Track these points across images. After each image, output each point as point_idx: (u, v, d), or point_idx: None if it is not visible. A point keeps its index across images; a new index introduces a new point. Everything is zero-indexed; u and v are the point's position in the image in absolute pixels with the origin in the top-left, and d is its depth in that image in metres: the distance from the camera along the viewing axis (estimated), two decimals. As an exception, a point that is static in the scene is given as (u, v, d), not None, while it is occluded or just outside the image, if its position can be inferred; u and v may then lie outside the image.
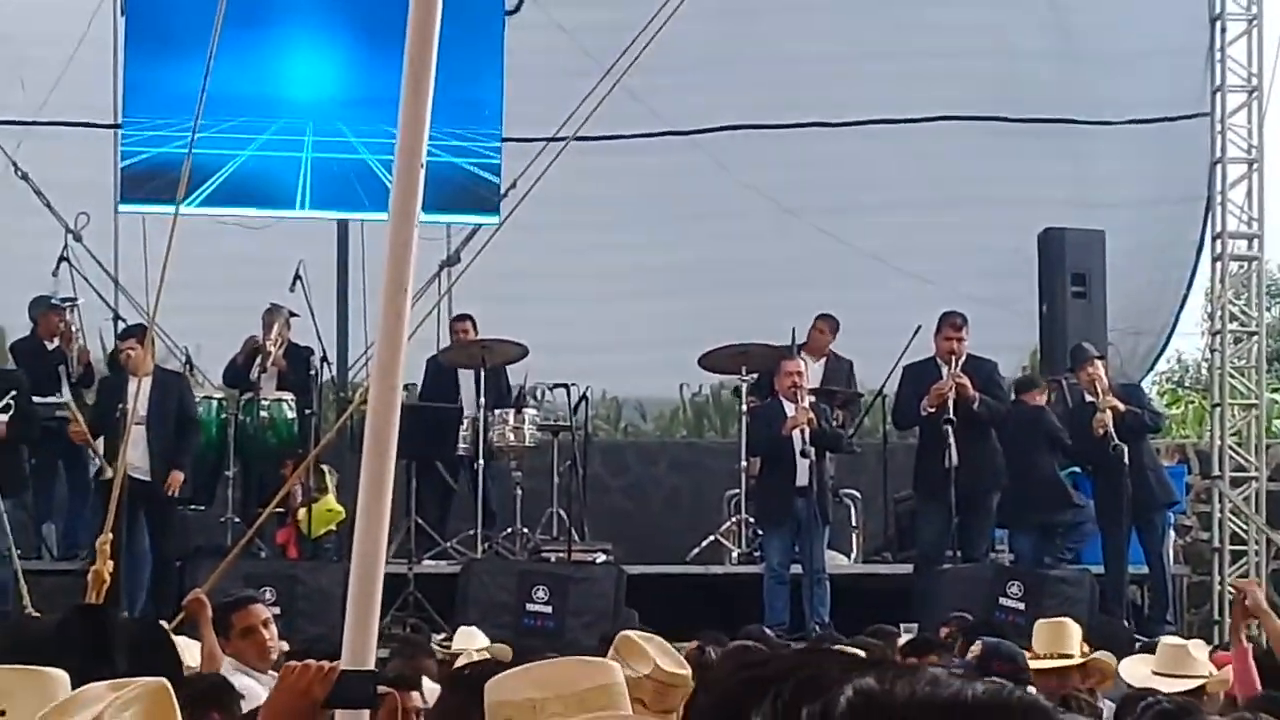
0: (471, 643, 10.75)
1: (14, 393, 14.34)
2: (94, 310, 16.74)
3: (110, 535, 10.20)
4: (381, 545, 4.52)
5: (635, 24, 13.08)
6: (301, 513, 14.11)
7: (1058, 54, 18.81)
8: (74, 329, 15.63)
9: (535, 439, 15.02)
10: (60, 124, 17.37)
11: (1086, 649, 9.34)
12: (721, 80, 18.25)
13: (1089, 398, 14.88)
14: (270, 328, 15.17)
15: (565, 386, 15.55)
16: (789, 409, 13.75)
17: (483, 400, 14.70)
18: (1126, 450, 14.29)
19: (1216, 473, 17.21)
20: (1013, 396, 15.53)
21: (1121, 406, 14.56)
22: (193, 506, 15.11)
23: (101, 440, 14.40)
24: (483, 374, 14.92)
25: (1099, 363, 14.98)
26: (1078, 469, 15.59)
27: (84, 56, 16.59)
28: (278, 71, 16.78)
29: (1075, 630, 9.57)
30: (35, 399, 14.85)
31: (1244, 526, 17.32)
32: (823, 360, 15.60)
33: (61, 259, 16.36)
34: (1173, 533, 15.95)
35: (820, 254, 17.57)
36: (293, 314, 15.57)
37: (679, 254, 18.12)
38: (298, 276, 15.27)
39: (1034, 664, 8.67)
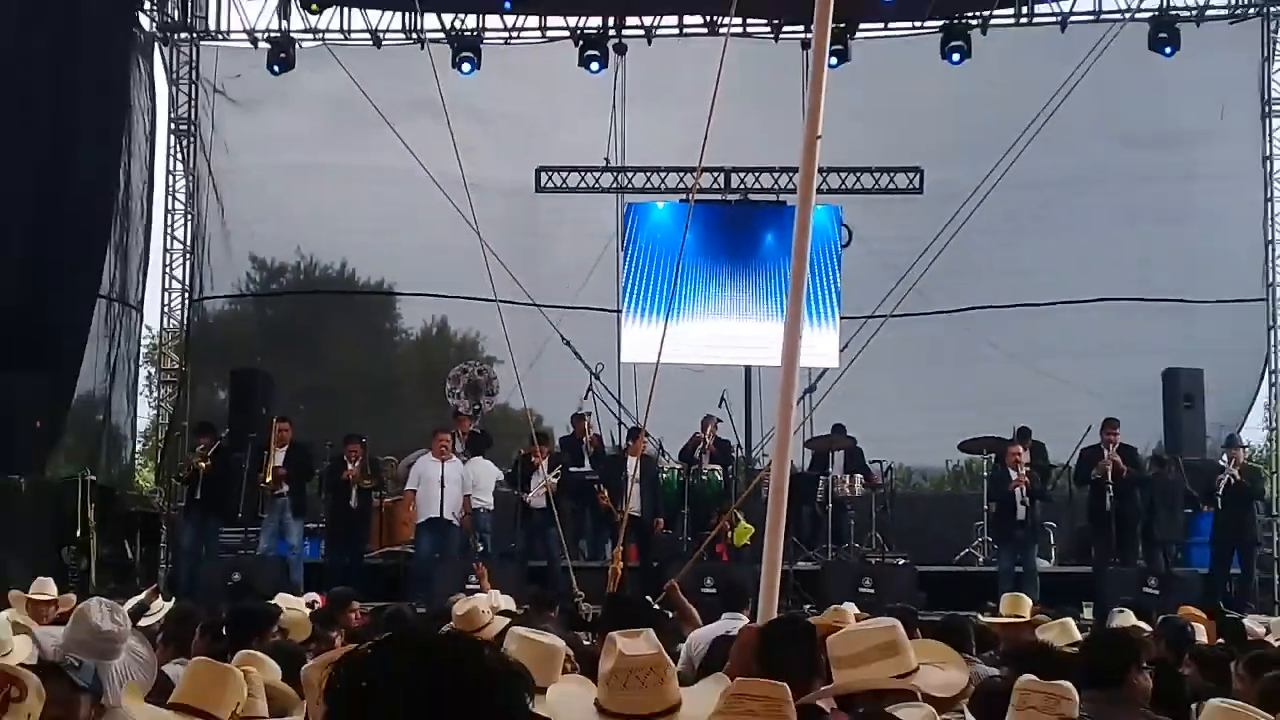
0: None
1: (560, 466, 16.37)
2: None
3: (621, 549, 13.18)
4: (779, 553, 5.56)
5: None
6: (734, 533, 16.12)
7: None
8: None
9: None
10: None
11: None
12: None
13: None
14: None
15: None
16: None
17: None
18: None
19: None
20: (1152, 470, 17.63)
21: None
22: (666, 531, 17.19)
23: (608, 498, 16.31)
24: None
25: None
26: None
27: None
28: None
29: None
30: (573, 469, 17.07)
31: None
32: None
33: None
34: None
35: None
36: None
37: None
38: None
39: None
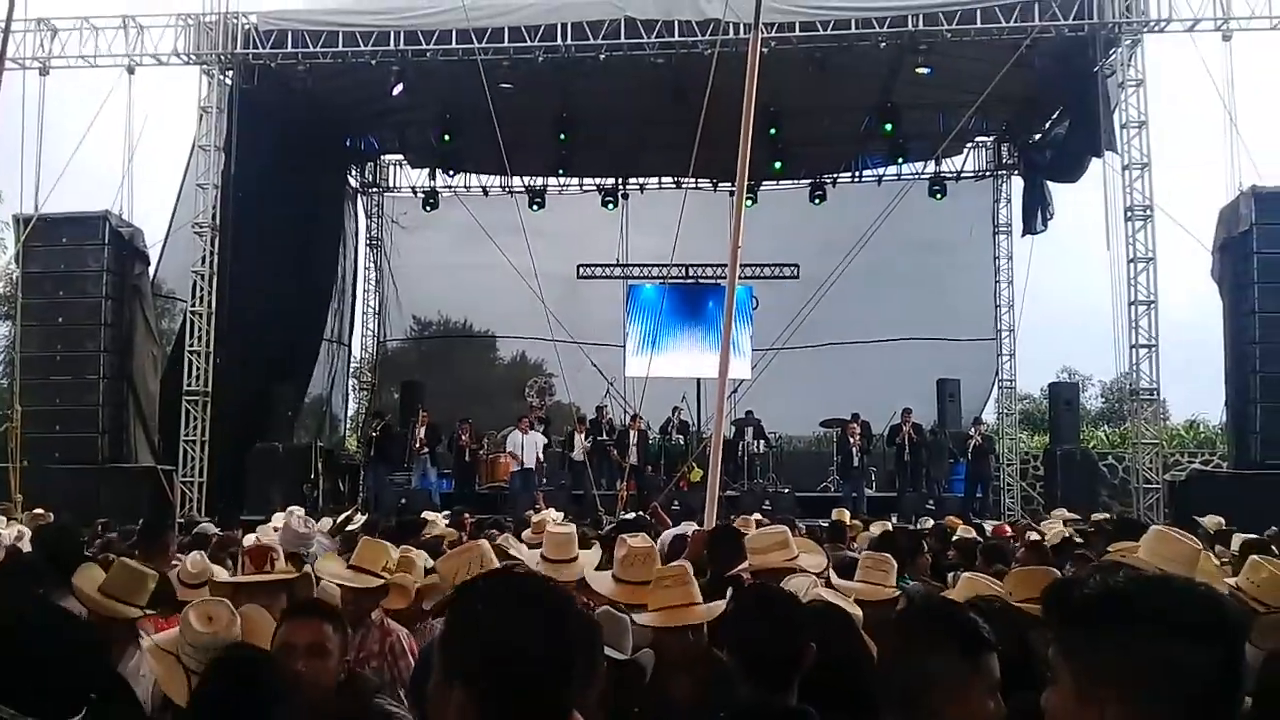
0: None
1: (590, 436, 17.11)
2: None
3: (624, 485, 13.21)
4: (717, 485, 5.87)
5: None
6: (690, 474, 15.18)
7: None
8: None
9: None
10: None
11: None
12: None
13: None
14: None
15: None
16: None
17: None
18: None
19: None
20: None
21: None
22: (650, 473, 16.23)
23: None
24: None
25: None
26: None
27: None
28: None
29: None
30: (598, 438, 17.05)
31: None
32: None
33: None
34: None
35: None
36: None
37: None
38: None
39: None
